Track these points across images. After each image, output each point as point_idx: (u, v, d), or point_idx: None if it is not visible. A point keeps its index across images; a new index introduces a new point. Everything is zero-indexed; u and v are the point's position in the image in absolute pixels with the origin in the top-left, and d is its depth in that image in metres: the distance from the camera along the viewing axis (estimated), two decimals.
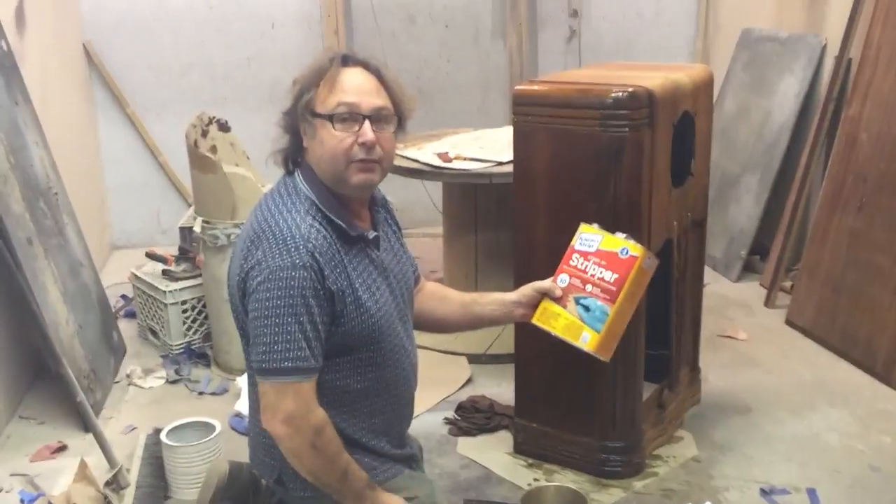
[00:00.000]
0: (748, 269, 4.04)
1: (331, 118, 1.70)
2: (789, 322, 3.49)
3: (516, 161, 2.41)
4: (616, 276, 1.83)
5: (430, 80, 4.72)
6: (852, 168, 3.24)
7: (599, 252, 1.87)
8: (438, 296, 2.08)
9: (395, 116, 1.77)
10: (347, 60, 1.76)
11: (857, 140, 3.23)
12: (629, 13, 4.79)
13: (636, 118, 2.23)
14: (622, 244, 1.86)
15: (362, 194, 1.82)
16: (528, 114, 2.35)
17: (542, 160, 2.36)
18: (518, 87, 2.39)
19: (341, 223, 1.74)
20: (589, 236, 1.91)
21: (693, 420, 2.78)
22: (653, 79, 2.33)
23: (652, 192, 2.32)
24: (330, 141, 1.70)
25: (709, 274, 4.05)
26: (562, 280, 1.91)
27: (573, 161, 2.31)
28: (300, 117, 1.74)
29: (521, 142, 2.39)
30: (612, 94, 2.23)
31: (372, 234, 1.82)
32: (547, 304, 1.91)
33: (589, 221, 1.96)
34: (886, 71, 3.13)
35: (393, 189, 4.55)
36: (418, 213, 4.76)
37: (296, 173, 1.79)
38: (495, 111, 4.76)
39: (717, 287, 3.94)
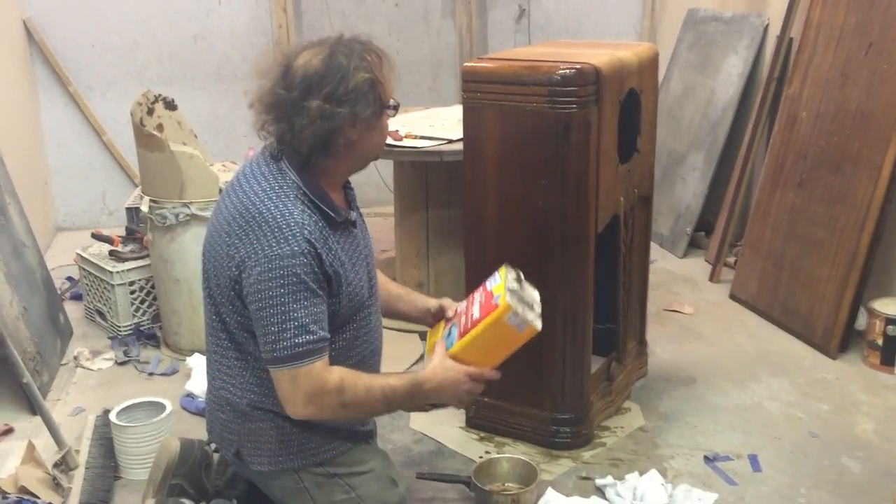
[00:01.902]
0: (694, 246, 4.13)
1: (394, 106, 1.83)
2: (733, 296, 3.57)
3: (466, 138, 2.43)
4: (478, 316, 1.87)
5: None
6: (793, 146, 3.32)
7: (486, 291, 1.93)
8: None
9: None
10: (374, 45, 1.83)
11: (797, 118, 3.31)
12: None
13: (583, 95, 2.26)
14: (499, 292, 1.87)
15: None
16: (478, 91, 2.37)
17: (491, 137, 2.37)
18: (467, 65, 2.40)
19: (328, 210, 1.77)
20: (497, 275, 1.95)
21: (640, 392, 2.85)
22: (600, 56, 2.36)
23: (599, 168, 2.36)
24: (386, 129, 1.88)
25: (656, 251, 4.14)
26: (460, 305, 2.02)
27: (522, 138, 2.33)
28: (365, 112, 1.73)
29: (470, 119, 2.40)
30: (560, 72, 2.25)
31: (353, 216, 1.87)
32: (441, 322, 2.05)
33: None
34: (825, 51, 3.21)
35: None
36: (370, 193, 4.74)
37: (281, 159, 1.78)
38: (446, 90, 4.77)
39: (665, 263, 4.02)
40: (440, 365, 1.85)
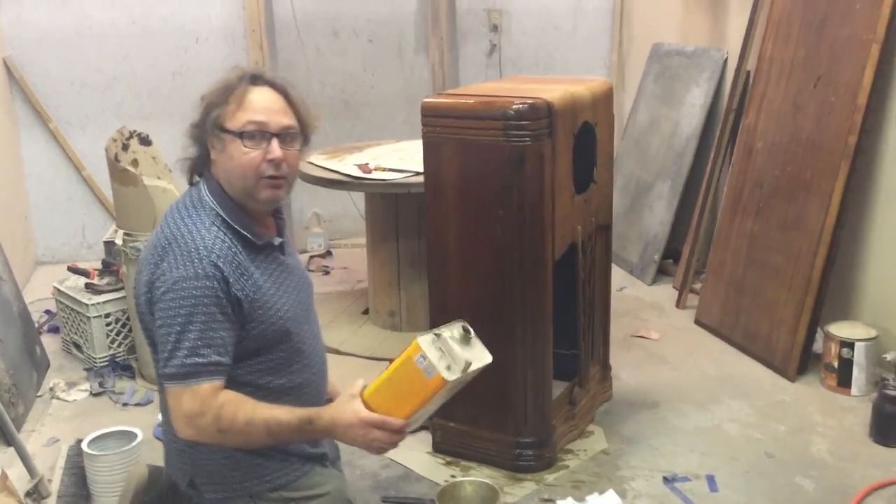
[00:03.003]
0: (664, 273, 4.22)
1: (241, 135, 1.76)
2: (698, 321, 3.66)
3: (427, 171, 2.52)
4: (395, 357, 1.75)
5: (355, 93, 4.81)
6: (750, 175, 3.43)
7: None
8: None
9: (300, 135, 1.85)
10: (256, 79, 1.83)
11: (753, 148, 3.43)
12: (547, 28, 4.95)
13: (536, 129, 2.36)
14: (425, 333, 1.74)
15: (269, 208, 1.90)
16: (437, 125, 2.47)
17: (450, 170, 2.47)
18: (426, 101, 2.50)
19: (246, 233, 1.81)
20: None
21: (604, 416, 2.92)
22: (553, 91, 2.47)
23: (555, 198, 2.45)
24: (240, 157, 1.76)
25: (626, 278, 4.24)
26: None
27: (479, 170, 2.43)
28: (209, 132, 1.80)
29: (430, 152, 2.50)
30: (514, 107, 2.35)
31: (277, 241, 1.90)
32: None
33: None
34: (777, 83, 3.33)
35: (321, 201, 4.69)
36: (346, 225, 4.84)
37: (201, 185, 1.86)
38: (419, 124, 4.86)
39: (633, 290, 4.11)
40: (338, 405, 1.79)
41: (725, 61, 3.99)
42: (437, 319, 2.58)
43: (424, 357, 1.67)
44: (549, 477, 2.56)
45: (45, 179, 4.52)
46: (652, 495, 2.46)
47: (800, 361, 3.12)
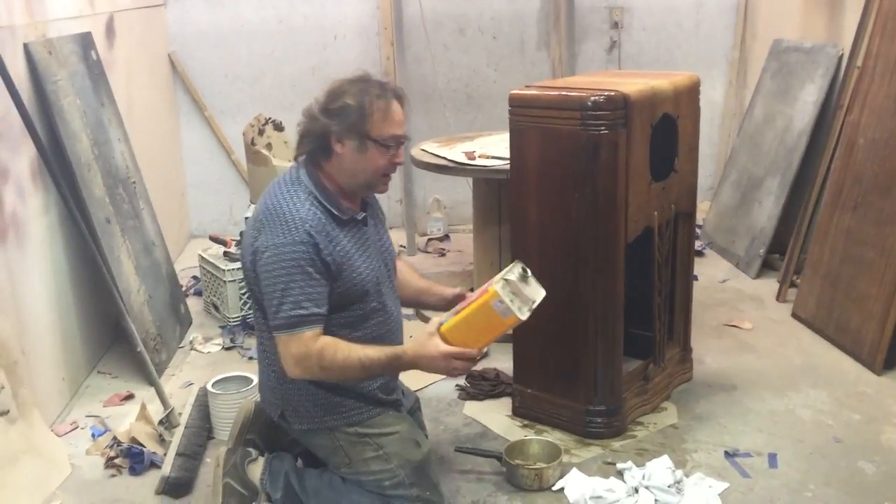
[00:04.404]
0: (769, 267, 4.26)
1: (383, 144, 2.15)
2: (794, 315, 3.71)
3: (512, 157, 2.76)
4: (473, 298, 2.12)
5: (479, 87, 5.09)
6: (850, 170, 3.45)
7: (488, 281, 2.15)
8: (404, 274, 2.49)
9: None
10: (395, 94, 2.19)
11: (855, 144, 3.44)
12: (669, 24, 5.05)
13: (612, 119, 2.55)
14: (497, 280, 2.09)
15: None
16: (522, 115, 2.70)
17: (533, 156, 2.70)
18: (513, 92, 2.74)
19: (332, 209, 2.16)
20: (506, 269, 2.16)
21: (680, 395, 3.06)
22: (633, 85, 2.65)
23: (629, 184, 2.63)
24: (375, 161, 2.16)
25: (731, 271, 4.32)
26: (472, 295, 2.21)
27: (558, 156, 2.64)
28: (343, 132, 2.13)
29: (516, 139, 2.74)
30: (591, 98, 2.56)
31: (361, 215, 2.24)
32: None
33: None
34: (882, 79, 3.34)
35: (442, 188, 5.01)
36: (465, 211, 5.11)
37: (300, 166, 2.21)
38: None
39: (736, 283, 4.17)
40: (421, 341, 2.12)
41: (840, 57, 3.99)
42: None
43: (501, 301, 2.04)
44: (616, 444, 2.75)
45: (199, 162, 5.06)
46: (710, 466, 2.60)
47: (887, 355, 3.14)
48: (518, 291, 2.08)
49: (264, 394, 2.35)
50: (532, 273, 2.16)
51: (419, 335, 2.14)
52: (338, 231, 2.16)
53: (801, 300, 3.69)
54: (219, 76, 4.97)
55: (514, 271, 2.12)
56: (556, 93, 2.66)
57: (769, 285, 4.08)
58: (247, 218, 3.57)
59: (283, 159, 3.59)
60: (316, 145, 2.17)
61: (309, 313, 2.09)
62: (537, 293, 2.15)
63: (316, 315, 2.11)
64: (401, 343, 2.35)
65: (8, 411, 2.53)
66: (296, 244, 2.09)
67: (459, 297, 2.38)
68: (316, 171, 2.19)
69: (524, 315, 2.07)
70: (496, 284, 2.06)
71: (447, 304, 2.40)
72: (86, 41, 3.43)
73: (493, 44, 5.04)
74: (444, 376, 2.40)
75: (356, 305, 2.21)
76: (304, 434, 2.29)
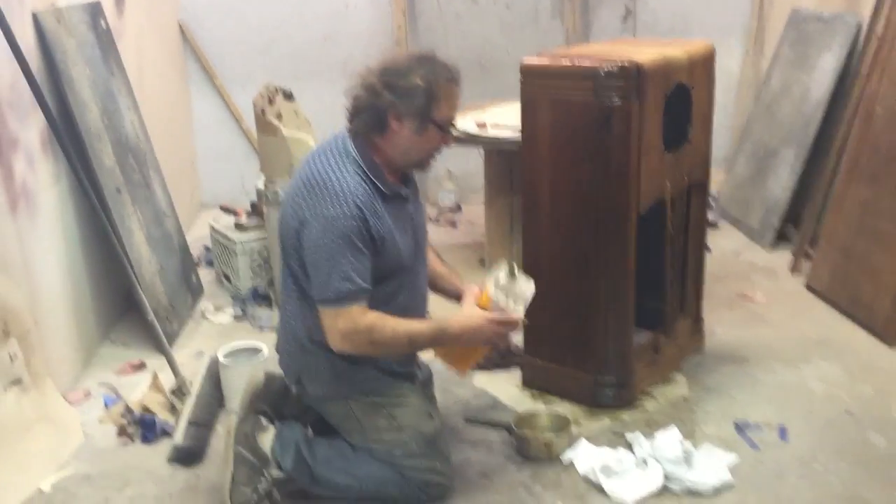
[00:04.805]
0: (783, 239, 4.22)
1: (441, 127, 2.16)
2: (808, 287, 3.68)
3: (523, 126, 2.74)
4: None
5: (492, 57, 5.03)
6: (868, 140, 3.41)
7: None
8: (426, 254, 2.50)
9: None
10: (458, 78, 2.19)
11: (873, 114, 3.39)
12: None
13: (625, 89, 2.52)
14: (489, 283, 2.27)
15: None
16: (533, 84, 2.67)
17: (544, 125, 2.67)
18: (524, 61, 2.70)
19: (379, 184, 2.16)
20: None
21: (691, 367, 3.05)
22: (646, 54, 2.61)
23: (641, 154, 2.60)
24: (431, 141, 2.18)
25: (745, 243, 4.29)
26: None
27: (570, 126, 2.61)
28: (409, 111, 2.11)
29: (527, 109, 2.71)
30: (604, 68, 2.52)
31: (404, 191, 2.25)
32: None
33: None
34: None
35: (454, 159, 4.97)
36: (477, 182, 5.05)
37: (346, 138, 2.19)
38: None
39: (750, 255, 4.14)
40: (464, 313, 2.20)
41: (859, 26, 3.91)
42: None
43: (497, 303, 2.23)
44: (625, 415, 2.74)
45: (210, 131, 5.04)
46: (720, 438, 2.60)
47: None
48: (509, 290, 2.20)
49: (283, 359, 2.37)
50: (522, 267, 2.33)
51: (462, 309, 2.24)
52: (382, 206, 2.16)
53: (816, 272, 3.66)
54: (229, 45, 4.94)
55: (502, 271, 2.24)
56: (568, 62, 2.63)
57: (783, 257, 4.05)
58: (260, 188, 3.56)
59: (292, 128, 3.57)
60: (374, 121, 2.15)
61: (357, 287, 2.10)
62: (529, 288, 2.27)
63: (363, 289, 2.11)
64: (425, 316, 2.36)
65: (21, 380, 2.55)
66: (345, 217, 2.08)
67: (470, 293, 2.39)
68: (365, 145, 2.18)
69: (520, 312, 2.20)
70: (489, 289, 2.18)
71: (457, 296, 2.42)
72: (95, 10, 3.41)
73: (507, 13, 4.98)
74: (485, 353, 2.41)
75: (390, 281, 2.23)
76: (318, 400, 2.31)
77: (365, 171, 2.14)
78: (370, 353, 2.17)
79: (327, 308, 2.11)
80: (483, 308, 2.24)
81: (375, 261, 2.15)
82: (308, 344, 2.23)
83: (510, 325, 2.22)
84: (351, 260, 2.08)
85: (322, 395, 2.28)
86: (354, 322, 2.10)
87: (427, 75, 2.11)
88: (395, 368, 2.32)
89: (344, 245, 2.07)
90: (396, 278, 2.24)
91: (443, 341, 2.22)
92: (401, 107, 2.11)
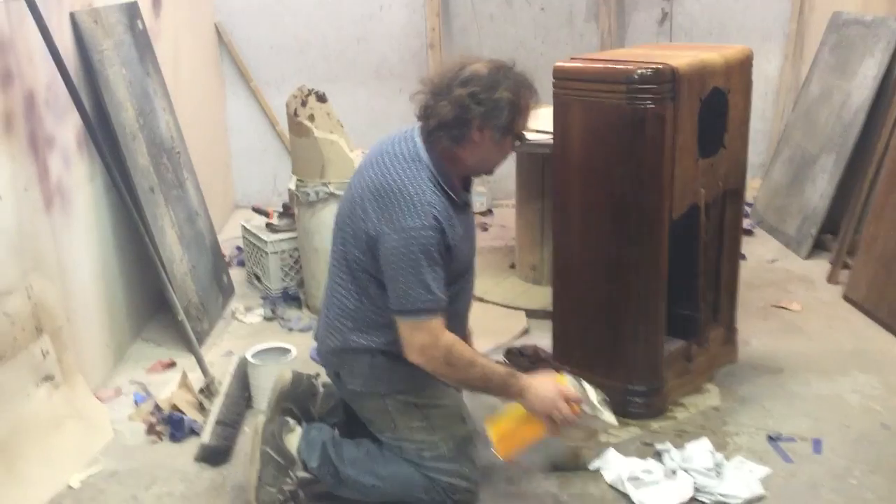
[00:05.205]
0: (820, 248, 4.14)
1: (518, 139, 2.19)
2: (846, 297, 3.60)
3: (555, 130, 2.71)
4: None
5: (526, 59, 4.91)
6: None
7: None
8: None
9: None
10: (537, 93, 2.22)
11: None
12: None
13: (659, 93, 2.48)
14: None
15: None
16: (566, 88, 2.64)
17: (577, 130, 2.64)
18: (557, 64, 2.68)
19: (451, 193, 2.16)
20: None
21: (724, 376, 3.00)
22: (682, 58, 2.57)
23: (675, 160, 2.56)
24: (507, 151, 2.21)
25: (781, 251, 4.22)
26: None
27: (603, 130, 2.58)
28: (494, 124, 2.11)
29: (559, 113, 2.68)
30: (638, 71, 2.49)
31: (469, 199, 2.27)
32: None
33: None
34: None
35: None
36: (509, 185, 5.04)
37: (415, 142, 2.18)
38: None
39: (786, 263, 4.07)
40: (541, 376, 2.19)
41: None
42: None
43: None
44: (655, 425, 2.70)
45: (244, 132, 5.08)
46: (752, 450, 2.55)
47: None
48: (591, 404, 2.18)
49: (322, 350, 2.37)
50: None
51: (540, 373, 2.22)
52: (454, 215, 2.16)
53: (854, 282, 3.58)
54: (264, 47, 4.97)
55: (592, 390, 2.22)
56: (601, 65, 2.60)
57: (820, 266, 3.98)
58: (291, 190, 3.57)
59: (325, 130, 3.58)
60: (458, 132, 2.13)
61: (436, 298, 2.09)
62: (609, 417, 2.23)
63: (442, 301, 2.11)
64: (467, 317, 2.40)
65: (52, 376, 2.58)
66: (425, 228, 2.07)
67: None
68: (437, 151, 2.17)
69: (605, 416, 2.20)
70: (566, 378, 2.19)
71: None
72: (132, 10, 3.44)
73: (541, 15, 4.95)
74: (534, 441, 2.26)
75: (451, 287, 2.22)
76: (354, 395, 2.32)
77: (438, 181, 2.14)
78: (442, 373, 2.16)
79: (406, 319, 2.11)
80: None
81: (445, 269, 2.15)
82: (353, 343, 2.24)
83: (572, 403, 2.13)
84: (430, 272, 2.07)
85: (360, 390, 2.28)
86: (434, 336, 2.10)
87: (513, 89, 2.13)
88: None
89: (423, 257, 2.06)
90: (457, 284, 2.25)
91: (509, 389, 2.17)
92: (488, 120, 2.10)
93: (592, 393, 2.20)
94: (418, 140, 2.17)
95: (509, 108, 2.10)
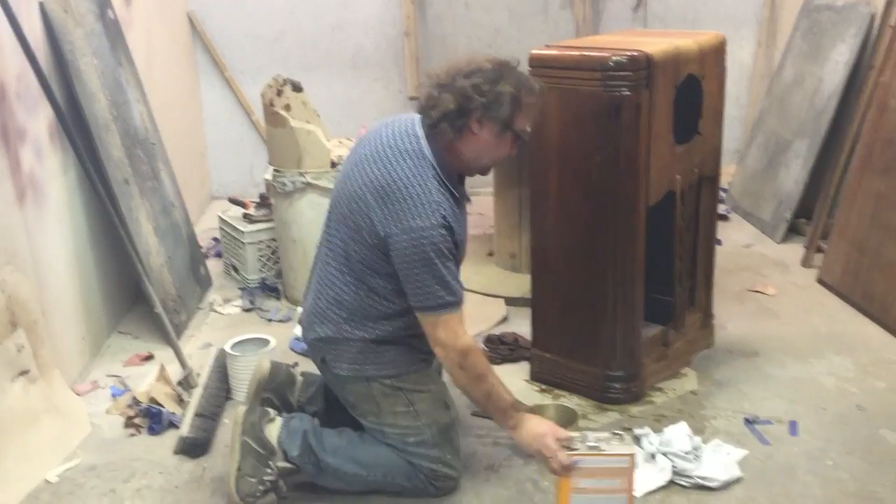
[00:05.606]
0: (795, 232, 4.19)
1: (519, 137, 2.20)
2: (820, 281, 3.64)
3: None
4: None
5: (502, 47, 5.00)
6: (881, 133, 3.37)
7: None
8: None
9: None
10: (539, 95, 2.22)
11: (886, 106, 3.35)
12: None
13: (634, 80, 2.49)
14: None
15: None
16: (542, 75, 2.62)
17: (553, 117, 2.64)
18: (533, 52, 2.67)
19: (453, 189, 2.17)
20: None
21: (701, 361, 3.02)
22: (656, 45, 2.58)
23: (651, 146, 2.57)
24: (505, 149, 2.22)
25: (756, 235, 4.25)
26: None
27: (579, 118, 2.59)
28: (494, 116, 2.12)
29: None
30: (613, 58, 2.49)
31: (468, 194, 2.28)
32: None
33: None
34: None
35: None
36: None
37: (417, 136, 2.17)
38: None
39: (761, 248, 4.11)
40: (541, 417, 2.24)
41: (873, 17, 3.87)
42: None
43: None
44: (634, 409, 2.72)
45: (219, 123, 5.04)
46: (729, 433, 2.58)
47: None
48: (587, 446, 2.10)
49: (308, 335, 2.36)
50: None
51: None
52: (458, 211, 2.19)
53: (828, 266, 3.63)
54: (238, 36, 4.93)
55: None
56: (576, 53, 2.60)
57: (795, 250, 4.02)
58: (268, 180, 3.55)
59: (301, 120, 3.56)
60: (460, 122, 2.14)
61: (453, 291, 2.13)
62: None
63: (459, 293, 2.15)
64: None
65: (28, 371, 2.55)
66: (434, 228, 2.09)
67: None
68: (438, 145, 2.17)
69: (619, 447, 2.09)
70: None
71: None
72: (102, 0, 3.40)
73: (516, 2, 4.95)
74: (529, 453, 2.25)
75: None
76: (339, 380, 2.32)
77: (441, 178, 2.14)
78: (454, 374, 2.18)
79: (427, 315, 2.15)
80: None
81: (456, 264, 2.19)
82: (347, 330, 2.24)
83: (563, 442, 2.08)
84: (444, 268, 2.10)
85: (346, 375, 2.28)
86: (454, 335, 2.14)
87: (516, 83, 2.14)
88: (417, 357, 2.32)
89: (435, 256, 2.09)
90: None
91: (506, 416, 2.21)
92: (487, 111, 2.12)
93: (593, 434, 2.13)
94: (420, 133, 2.17)
95: (510, 101, 2.12)
